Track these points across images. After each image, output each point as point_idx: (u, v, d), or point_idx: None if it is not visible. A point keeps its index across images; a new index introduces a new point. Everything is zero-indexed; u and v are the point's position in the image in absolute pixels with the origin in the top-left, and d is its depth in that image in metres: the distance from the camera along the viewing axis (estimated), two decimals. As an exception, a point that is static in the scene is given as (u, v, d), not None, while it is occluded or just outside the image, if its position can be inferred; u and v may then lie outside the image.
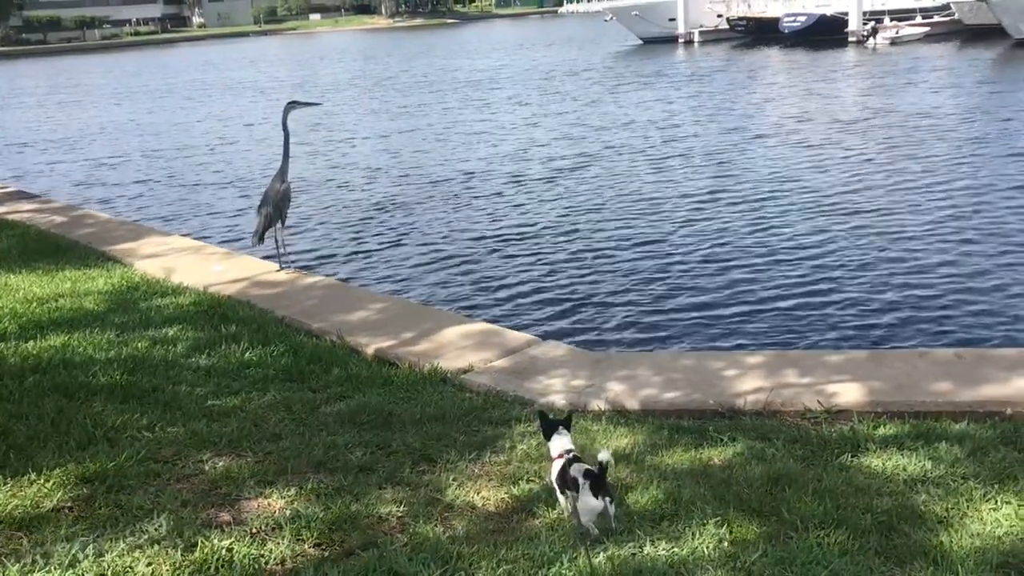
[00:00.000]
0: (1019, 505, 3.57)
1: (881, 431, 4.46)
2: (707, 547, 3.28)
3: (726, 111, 21.46)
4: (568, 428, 3.61)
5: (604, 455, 3.28)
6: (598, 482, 3.27)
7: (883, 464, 4.01)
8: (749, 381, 5.21)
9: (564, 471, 3.40)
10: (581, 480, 3.28)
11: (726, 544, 3.32)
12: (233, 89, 36.93)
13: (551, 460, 3.55)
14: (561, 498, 3.51)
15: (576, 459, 3.41)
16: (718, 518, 3.49)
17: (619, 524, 3.41)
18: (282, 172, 8.34)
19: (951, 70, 27.91)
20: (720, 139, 17.59)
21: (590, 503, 3.27)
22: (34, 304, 6.91)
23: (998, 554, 3.21)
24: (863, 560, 3.19)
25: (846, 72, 30.69)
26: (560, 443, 3.53)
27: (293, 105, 8.49)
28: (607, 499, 3.30)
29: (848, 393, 4.93)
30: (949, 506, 3.59)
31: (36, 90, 44.29)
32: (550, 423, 3.62)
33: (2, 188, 14.33)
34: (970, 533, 3.38)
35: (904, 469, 3.94)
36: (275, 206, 8.23)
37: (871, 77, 28.54)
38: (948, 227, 10.70)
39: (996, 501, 3.60)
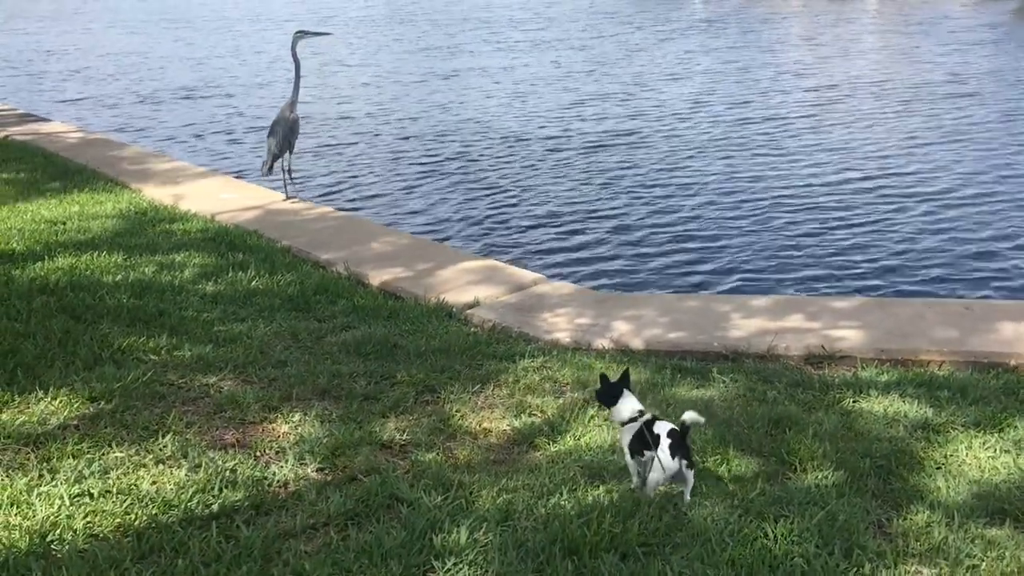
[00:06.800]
0: (1017, 454, 3.58)
1: (884, 377, 4.47)
2: (705, 485, 3.31)
3: (751, 63, 21.04)
4: (630, 388, 3.30)
5: (690, 415, 3.11)
6: (679, 443, 3.10)
7: (884, 410, 4.02)
8: (754, 324, 5.21)
9: (644, 432, 3.14)
10: (664, 438, 3.10)
11: (725, 482, 3.35)
12: (251, 21, 36.20)
13: (620, 426, 3.26)
14: (631, 464, 3.23)
15: (656, 417, 3.20)
16: (717, 456, 3.52)
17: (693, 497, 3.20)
18: (292, 102, 8.29)
19: (976, 27, 27.34)
20: (747, 90, 17.24)
21: (667, 463, 3.09)
22: (42, 225, 6.91)
23: (994, 500, 3.23)
24: (860, 502, 3.22)
25: (871, 24, 30.09)
26: (629, 405, 3.24)
27: (302, 34, 8.41)
28: (683, 461, 3.11)
29: (853, 339, 4.93)
30: (948, 453, 3.61)
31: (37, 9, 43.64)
32: (612, 386, 3.28)
33: (12, 110, 14.21)
34: (968, 480, 3.40)
35: (905, 415, 3.95)
36: (284, 136, 8.21)
37: (893, 30, 27.98)
38: (975, 181, 10.52)
39: (995, 450, 3.62)
